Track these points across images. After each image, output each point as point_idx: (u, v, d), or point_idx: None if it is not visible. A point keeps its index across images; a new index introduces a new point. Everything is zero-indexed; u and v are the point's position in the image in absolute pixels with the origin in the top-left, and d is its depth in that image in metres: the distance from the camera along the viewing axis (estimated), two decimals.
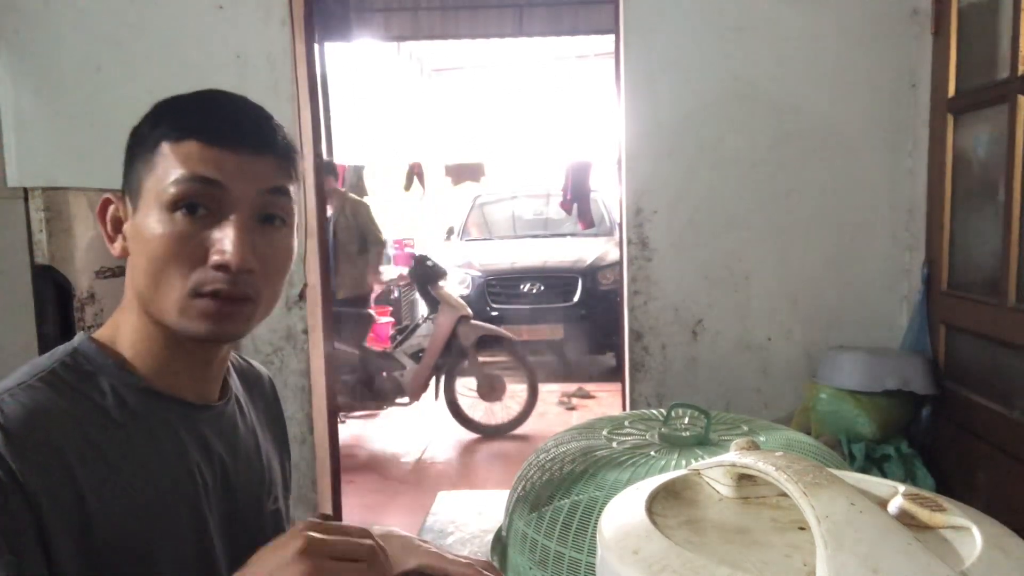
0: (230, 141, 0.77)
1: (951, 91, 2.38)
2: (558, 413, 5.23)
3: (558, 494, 0.97)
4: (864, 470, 2.22)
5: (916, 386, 2.33)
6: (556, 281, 6.01)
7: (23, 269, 2.15)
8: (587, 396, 5.54)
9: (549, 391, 5.61)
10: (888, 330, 2.65)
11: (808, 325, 2.68)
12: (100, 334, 0.82)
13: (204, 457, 0.82)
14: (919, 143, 2.56)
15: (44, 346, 2.21)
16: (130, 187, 0.79)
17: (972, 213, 2.37)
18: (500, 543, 1.10)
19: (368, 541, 0.64)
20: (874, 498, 0.51)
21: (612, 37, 2.82)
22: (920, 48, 2.53)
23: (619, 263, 2.96)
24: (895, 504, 0.53)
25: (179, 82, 3.17)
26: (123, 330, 0.81)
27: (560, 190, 6.76)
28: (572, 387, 5.67)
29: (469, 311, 4.76)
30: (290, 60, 2.63)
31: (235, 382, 0.93)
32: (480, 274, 6.14)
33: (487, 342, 4.71)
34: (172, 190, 0.75)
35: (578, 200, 6.63)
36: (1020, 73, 1.97)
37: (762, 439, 1.04)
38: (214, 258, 0.75)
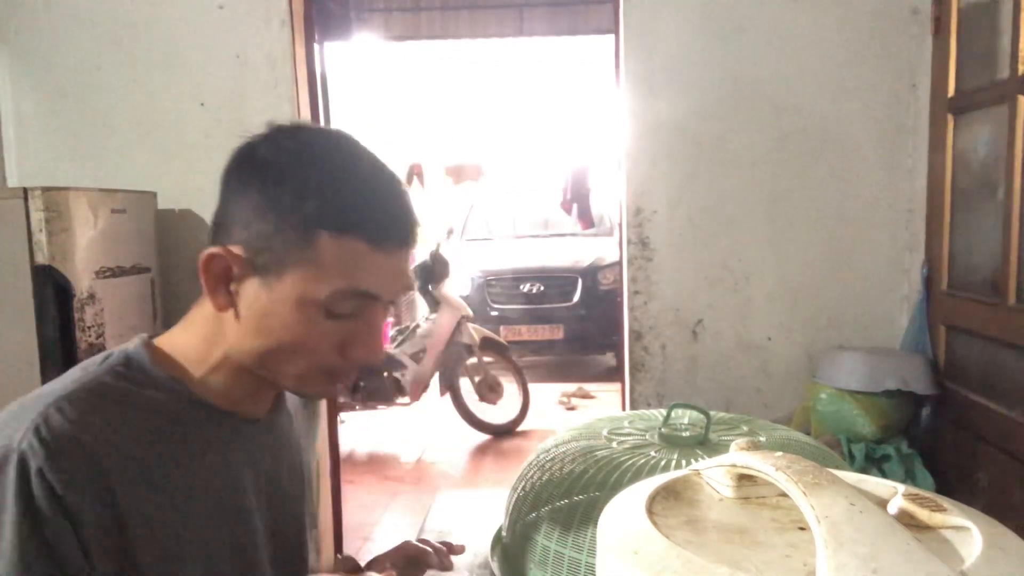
0: (393, 244, 0.73)
1: (951, 91, 2.38)
2: (558, 413, 5.23)
3: (558, 494, 0.97)
4: (864, 470, 2.22)
5: (916, 386, 2.33)
6: (556, 281, 6.02)
7: (23, 269, 2.15)
8: (587, 396, 5.54)
9: (549, 391, 5.61)
10: (888, 330, 2.65)
11: (808, 325, 2.68)
12: (160, 342, 0.79)
13: (252, 472, 0.81)
14: (919, 143, 2.56)
15: (44, 346, 2.21)
16: (254, 248, 0.72)
17: (972, 213, 2.37)
18: (500, 543, 1.10)
19: None
20: (874, 498, 0.51)
21: (612, 37, 2.81)
22: (920, 48, 2.53)
23: (619, 263, 2.96)
24: (895, 504, 0.53)
25: (179, 82, 3.15)
26: (187, 353, 0.78)
27: (560, 190, 6.76)
28: (572, 387, 5.67)
29: (470, 311, 4.76)
30: (290, 60, 2.63)
31: (288, 394, 0.90)
32: (480, 274, 6.14)
33: (485, 343, 4.71)
34: (327, 297, 0.71)
35: (578, 200, 6.63)
36: (1020, 73, 1.97)
37: (762, 439, 1.04)
38: (360, 357, 0.76)
